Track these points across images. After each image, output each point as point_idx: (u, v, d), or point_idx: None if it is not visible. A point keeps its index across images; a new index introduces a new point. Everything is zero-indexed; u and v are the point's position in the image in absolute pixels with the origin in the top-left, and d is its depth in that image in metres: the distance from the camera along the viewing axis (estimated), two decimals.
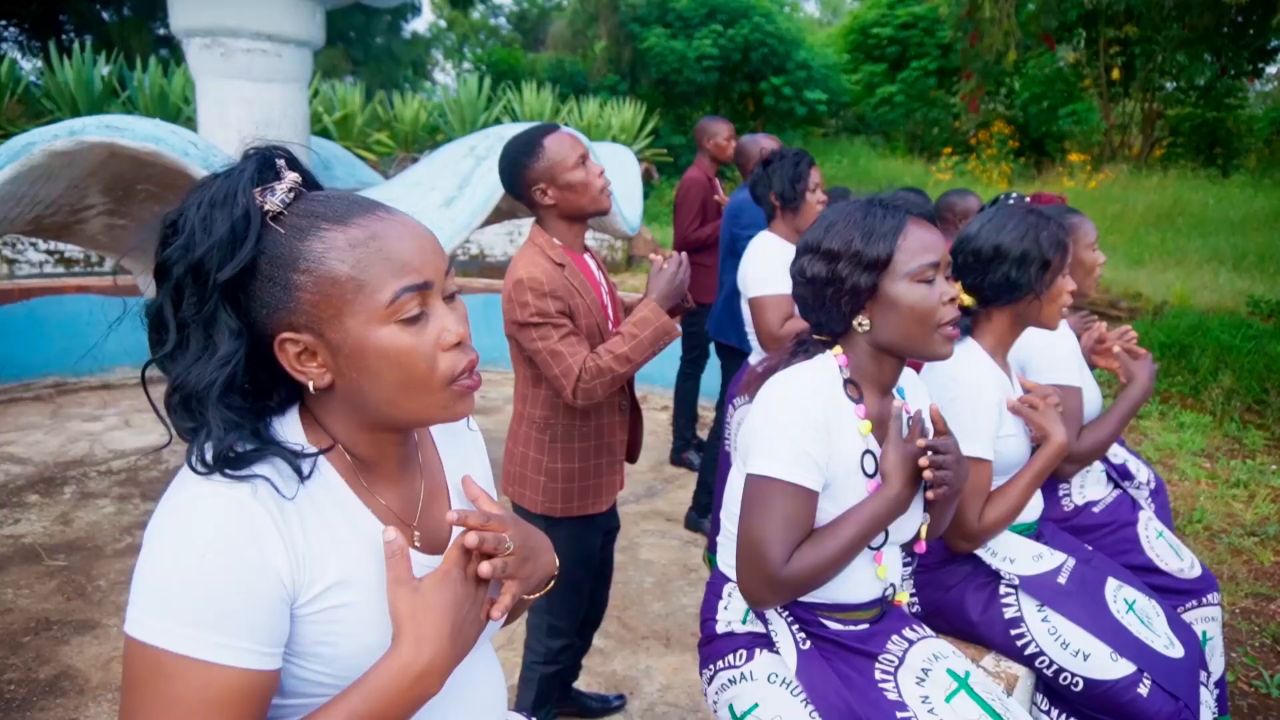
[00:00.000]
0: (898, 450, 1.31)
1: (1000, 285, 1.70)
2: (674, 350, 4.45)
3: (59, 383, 5.40)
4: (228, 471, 0.78)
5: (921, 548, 1.46)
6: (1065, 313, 1.77)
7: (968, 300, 1.77)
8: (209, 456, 0.78)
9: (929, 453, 1.28)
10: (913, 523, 1.41)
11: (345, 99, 9.40)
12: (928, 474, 1.27)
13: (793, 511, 1.28)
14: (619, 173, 3.47)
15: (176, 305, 0.80)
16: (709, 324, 3.71)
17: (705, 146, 4.13)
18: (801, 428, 1.29)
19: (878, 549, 1.38)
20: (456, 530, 0.96)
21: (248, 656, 0.76)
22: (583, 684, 2.42)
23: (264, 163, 0.83)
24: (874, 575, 1.39)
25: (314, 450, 0.85)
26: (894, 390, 1.45)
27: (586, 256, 2.03)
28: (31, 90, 8.27)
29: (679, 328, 1.88)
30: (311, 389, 0.84)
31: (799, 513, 1.29)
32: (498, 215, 3.05)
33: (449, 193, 2.67)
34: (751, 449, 1.33)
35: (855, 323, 1.36)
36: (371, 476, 0.91)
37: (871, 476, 1.35)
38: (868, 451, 1.36)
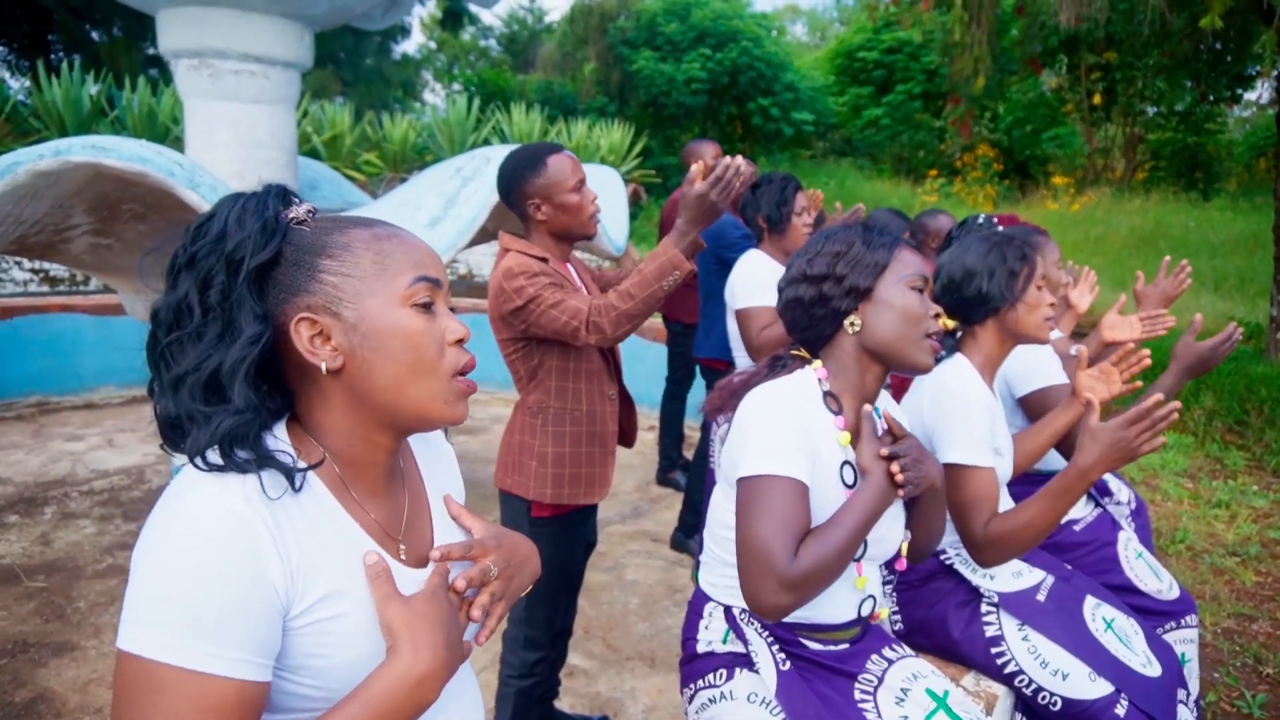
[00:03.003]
0: (872, 445, 1.33)
1: (975, 300, 1.79)
2: (660, 371, 4.47)
3: (42, 402, 5.36)
4: (225, 468, 0.80)
5: (902, 565, 1.46)
6: (1051, 324, 1.82)
7: (950, 323, 1.85)
8: (216, 442, 0.80)
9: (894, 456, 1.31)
10: (894, 538, 1.41)
11: (334, 119, 9.43)
12: (898, 475, 1.29)
13: (788, 506, 1.26)
14: (605, 193, 3.49)
15: (203, 292, 0.85)
16: (694, 344, 3.73)
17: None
18: (783, 423, 1.30)
19: (858, 560, 1.37)
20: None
21: (242, 667, 0.76)
22: (566, 705, 2.41)
23: (283, 189, 0.93)
24: (853, 586, 1.39)
25: (304, 465, 0.87)
26: (874, 405, 1.45)
27: (570, 267, 2.08)
28: (19, 109, 8.26)
29: (691, 264, 1.76)
30: (324, 370, 0.87)
31: (795, 507, 1.26)
32: (484, 236, 3.06)
33: (435, 213, 2.68)
34: (739, 455, 1.32)
35: (847, 322, 1.39)
36: (359, 489, 0.93)
37: (850, 486, 1.35)
38: (846, 462, 1.36)
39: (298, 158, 3.79)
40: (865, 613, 1.42)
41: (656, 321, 5.32)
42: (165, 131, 7.96)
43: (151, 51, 13.21)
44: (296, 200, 0.93)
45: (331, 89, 16.11)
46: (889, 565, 1.51)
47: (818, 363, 1.42)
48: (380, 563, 0.87)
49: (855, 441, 1.38)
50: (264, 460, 0.83)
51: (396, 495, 0.98)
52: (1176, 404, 1.41)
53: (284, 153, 3.52)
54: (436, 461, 1.10)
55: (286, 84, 3.50)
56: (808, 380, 1.40)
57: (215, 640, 0.75)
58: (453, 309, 0.95)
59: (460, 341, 0.92)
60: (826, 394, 1.39)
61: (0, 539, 3.44)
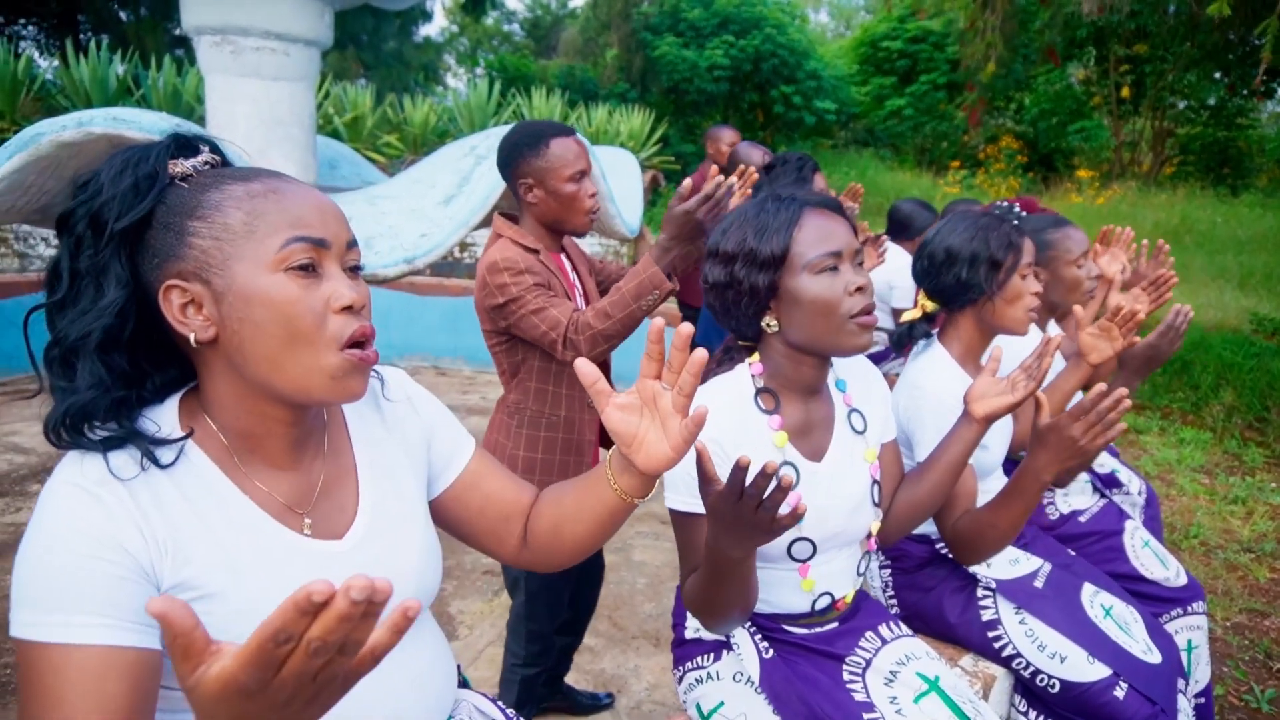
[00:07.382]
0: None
1: (954, 287, 1.70)
2: None
3: None
4: (79, 442, 0.78)
5: (871, 545, 1.43)
6: (1033, 316, 1.71)
7: (930, 306, 1.78)
8: (65, 419, 0.78)
9: None
10: (856, 526, 1.36)
11: (356, 101, 9.45)
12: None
13: (683, 540, 1.27)
14: (620, 176, 3.49)
15: (74, 256, 0.81)
16: (697, 331, 3.73)
17: (709, 152, 4.30)
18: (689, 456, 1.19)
19: (804, 561, 1.33)
20: (354, 538, 0.92)
21: (106, 632, 0.73)
22: (571, 681, 2.43)
23: (184, 141, 0.86)
24: (798, 588, 1.35)
25: (177, 436, 0.83)
26: (827, 386, 1.39)
27: (563, 257, 1.98)
28: (48, 87, 8.36)
29: (671, 281, 1.67)
30: (194, 341, 0.81)
31: (689, 540, 1.26)
32: None
33: (449, 190, 2.70)
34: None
35: (764, 324, 1.30)
36: (254, 460, 0.88)
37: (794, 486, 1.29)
38: (786, 462, 1.30)
39: (317, 136, 3.82)
40: (822, 607, 1.38)
41: (670, 306, 5.32)
42: (190, 111, 8.01)
43: (178, 32, 13.28)
44: (203, 149, 0.87)
45: (353, 71, 16.16)
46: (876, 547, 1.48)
47: (755, 356, 1.36)
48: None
49: (796, 440, 1.32)
50: (122, 439, 0.80)
51: (307, 467, 0.92)
52: (1123, 391, 1.27)
53: (303, 130, 3.55)
54: (380, 420, 1.02)
55: (307, 61, 3.53)
56: (741, 379, 1.33)
57: (73, 610, 0.73)
58: (357, 269, 0.88)
59: (350, 308, 0.83)
60: (759, 391, 1.32)
61: (23, 507, 3.52)
